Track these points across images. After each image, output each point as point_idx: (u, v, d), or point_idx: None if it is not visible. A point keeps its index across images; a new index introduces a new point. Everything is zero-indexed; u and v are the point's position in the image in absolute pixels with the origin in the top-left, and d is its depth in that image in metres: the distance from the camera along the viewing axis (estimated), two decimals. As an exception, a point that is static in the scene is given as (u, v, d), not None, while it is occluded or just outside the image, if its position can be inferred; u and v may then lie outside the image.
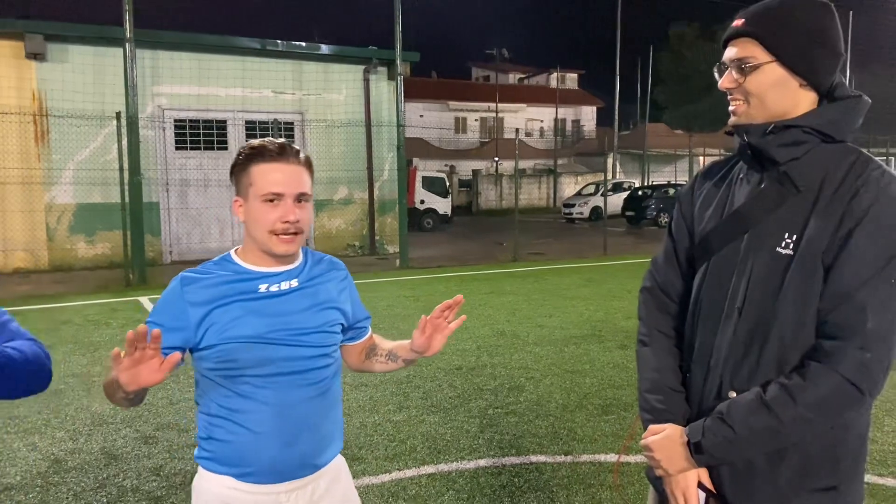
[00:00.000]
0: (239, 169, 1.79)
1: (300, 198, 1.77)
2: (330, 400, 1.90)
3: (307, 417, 1.83)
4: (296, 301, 1.82)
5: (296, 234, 1.77)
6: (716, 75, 1.66)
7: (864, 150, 1.58)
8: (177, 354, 1.55)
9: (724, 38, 1.63)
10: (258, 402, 1.78)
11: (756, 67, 1.55)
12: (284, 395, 1.79)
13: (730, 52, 1.61)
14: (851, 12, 32.57)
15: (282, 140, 1.81)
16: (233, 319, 1.75)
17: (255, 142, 1.79)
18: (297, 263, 1.87)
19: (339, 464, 1.97)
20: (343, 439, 1.99)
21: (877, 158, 1.56)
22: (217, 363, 1.78)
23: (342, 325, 1.93)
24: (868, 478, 4.00)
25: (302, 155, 1.81)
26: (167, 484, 4.07)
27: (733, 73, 1.59)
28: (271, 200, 1.74)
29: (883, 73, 47.36)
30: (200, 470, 1.87)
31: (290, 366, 1.79)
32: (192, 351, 1.82)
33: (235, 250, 1.88)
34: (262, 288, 1.80)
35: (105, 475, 4.20)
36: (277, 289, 1.81)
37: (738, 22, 1.60)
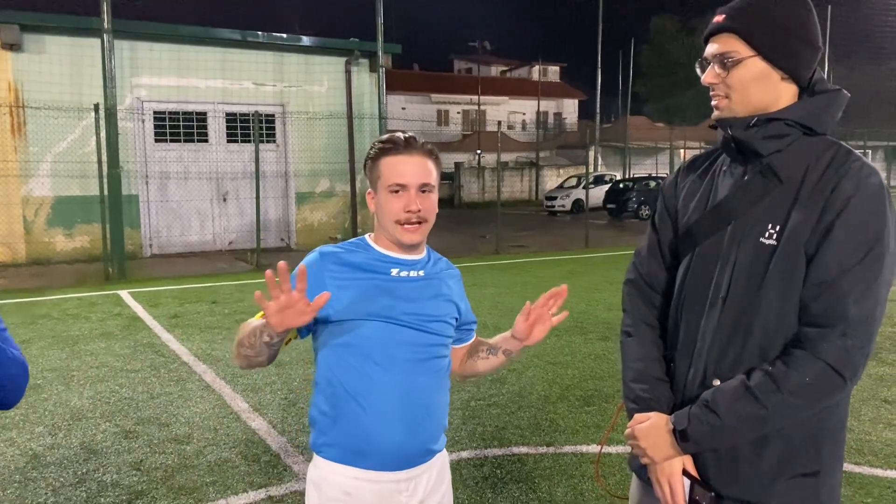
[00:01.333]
0: (370, 164, 1.88)
1: (423, 188, 1.84)
2: (444, 388, 1.97)
3: (428, 404, 1.89)
4: (423, 289, 1.90)
5: (419, 223, 1.84)
6: (698, 71, 1.69)
7: (844, 143, 1.61)
8: (326, 294, 1.62)
9: (706, 34, 1.66)
10: (385, 386, 1.82)
11: (738, 62, 1.58)
12: (408, 380, 1.84)
13: (711, 48, 1.63)
14: (830, 7, 32.83)
15: (409, 133, 1.87)
16: (368, 296, 1.82)
17: (384, 136, 1.88)
18: (422, 255, 1.96)
19: (445, 451, 2.03)
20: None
21: (856, 151, 1.59)
22: (349, 338, 1.82)
23: (456, 319, 1.99)
24: (845, 466, 4.06)
25: (428, 147, 1.87)
26: (148, 479, 4.04)
27: (716, 68, 1.62)
28: (396, 191, 1.82)
29: (861, 68, 47.91)
30: (319, 461, 1.88)
31: (416, 351, 1.86)
32: (317, 323, 1.86)
33: (369, 235, 1.96)
34: (394, 272, 1.88)
35: (84, 470, 4.16)
36: (407, 275, 1.89)
37: (718, 18, 1.62)
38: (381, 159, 1.85)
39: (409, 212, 1.82)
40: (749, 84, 1.58)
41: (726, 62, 1.59)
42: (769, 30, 1.56)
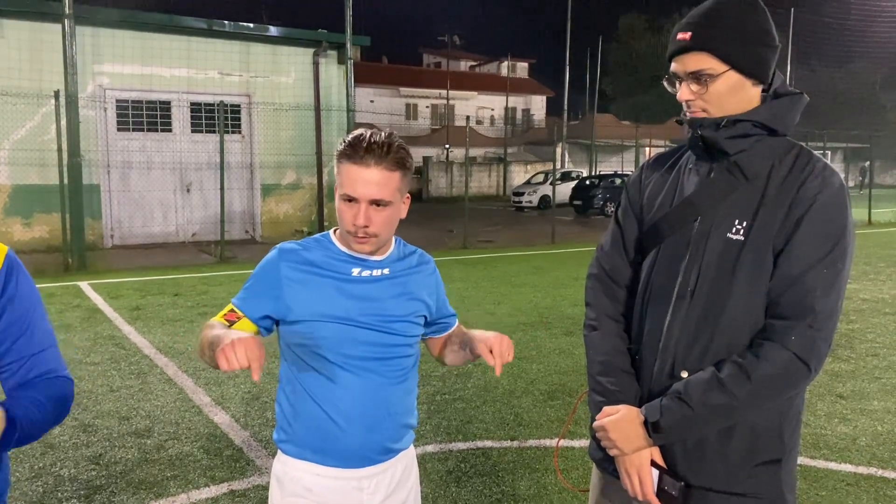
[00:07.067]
0: (336, 161, 1.80)
1: (376, 203, 1.74)
2: (409, 387, 1.93)
3: (390, 404, 1.86)
4: (386, 288, 1.85)
5: (366, 237, 1.77)
6: (667, 86, 1.72)
7: (804, 144, 1.68)
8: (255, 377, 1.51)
9: (672, 51, 1.66)
10: (344, 385, 1.80)
11: (714, 77, 1.61)
12: (369, 381, 1.82)
13: (682, 65, 1.65)
14: (793, 9, 33.41)
15: (379, 138, 1.74)
16: (325, 298, 1.78)
17: (352, 136, 1.76)
18: (389, 252, 1.90)
19: (412, 450, 2.01)
20: (416, 426, 2.01)
21: (815, 153, 1.66)
22: (305, 339, 1.79)
23: (425, 317, 1.95)
24: (800, 460, 4.15)
25: (392, 156, 1.73)
26: (107, 473, 3.98)
27: (691, 85, 1.65)
28: (349, 201, 1.75)
29: (821, 70, 48.92)
30: (282, 456, 1.88)
31: (376, 351, 1.82)
32: (279, 324, 1.84)
33: (334, 231, 1.90)
34: (355, 272, 1.83)
35: (41, 464, 4.08)
36: (369, 274, 1.84)
37: (684, 35, 1.63)
38: (341, 163, 1.75)
39: (355, 225, 1.75)
40: (725, 97, 1.62)
41: (702, 79, 1.62)
42: (738, 43, 1.60)
